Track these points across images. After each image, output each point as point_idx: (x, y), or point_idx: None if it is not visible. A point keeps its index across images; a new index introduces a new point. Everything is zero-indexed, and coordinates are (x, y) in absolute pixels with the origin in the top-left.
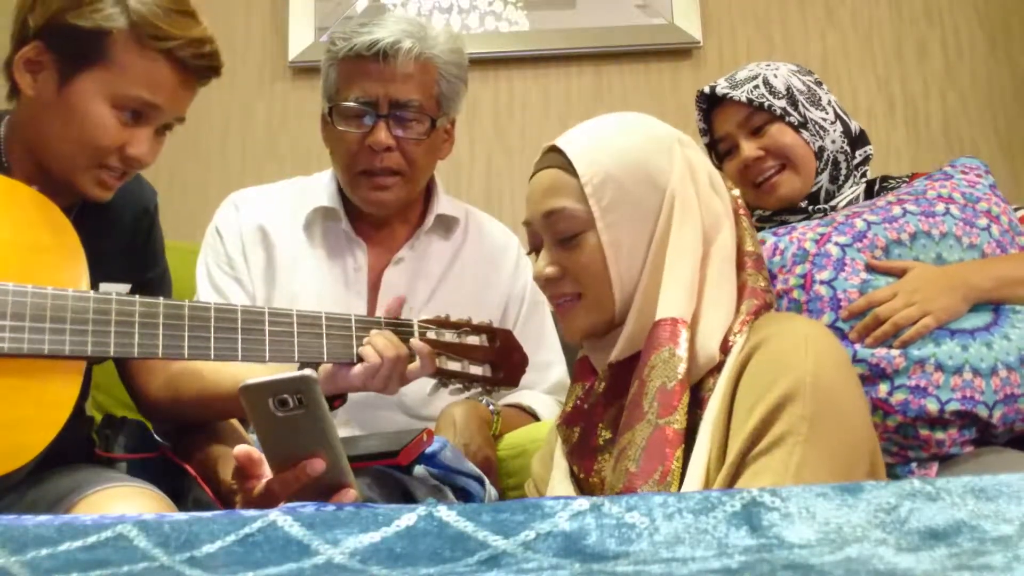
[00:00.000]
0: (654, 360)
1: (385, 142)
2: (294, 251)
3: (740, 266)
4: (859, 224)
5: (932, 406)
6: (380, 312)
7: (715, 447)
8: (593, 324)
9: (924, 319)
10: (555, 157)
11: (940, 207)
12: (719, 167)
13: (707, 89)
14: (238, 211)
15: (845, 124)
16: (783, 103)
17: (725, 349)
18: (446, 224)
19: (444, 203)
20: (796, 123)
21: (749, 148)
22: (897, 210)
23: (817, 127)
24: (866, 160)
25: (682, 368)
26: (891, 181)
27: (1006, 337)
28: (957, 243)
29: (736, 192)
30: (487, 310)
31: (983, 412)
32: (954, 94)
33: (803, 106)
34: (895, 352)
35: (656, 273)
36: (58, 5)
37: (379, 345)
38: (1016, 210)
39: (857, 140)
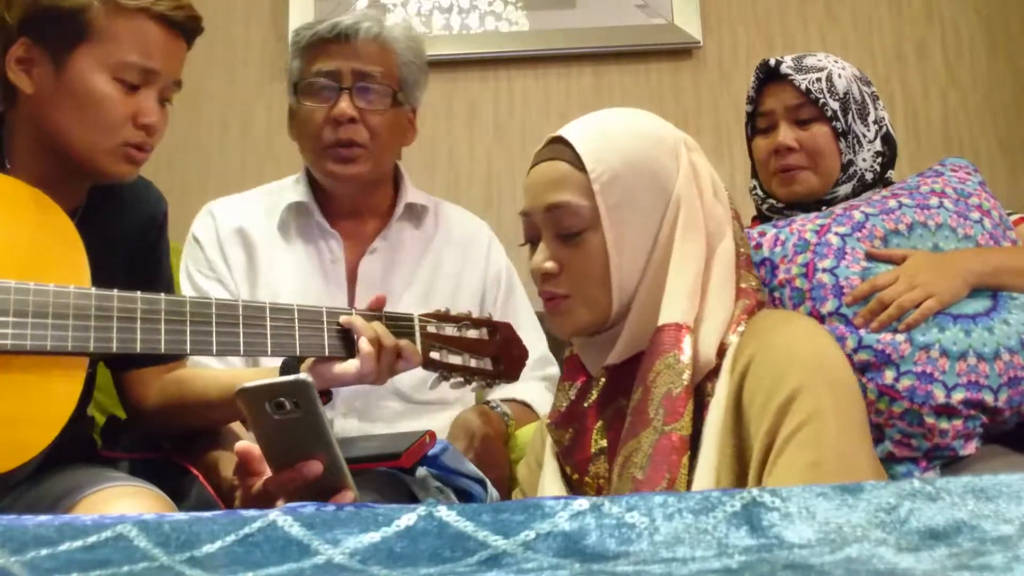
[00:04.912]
0: (659, 366)
1: (348, 112)
2: (272, 248)
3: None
4: (857, 216)
5: (939, 391)
6: (360, 306)
7: (725, 453)
8: (585, 324)
9: (927, 301)
10: (562, 149)
11: (934, 200)
12: (749, 139)
13: (772, 62)
14: (214, 218)
15: (886, 144)
16: (836, 106)
17: (720, 351)
18: (416, 213)
19: (412, 192)
20: (839, 130)
21: (787, 135)
22: (893, 203)
23: (855, 140)
24: (888, 180)
25: (687, 374)
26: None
27: (1005, 322)
28: (953, 234)
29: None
30: (465, 296)
31: (989, 397)
32: (954, 94)
33: (852, 116)
34: (900, 338)
35: (659, 277)
36: None
37: (371, 335)
38: (1010, 215)
39: (890, 162)
